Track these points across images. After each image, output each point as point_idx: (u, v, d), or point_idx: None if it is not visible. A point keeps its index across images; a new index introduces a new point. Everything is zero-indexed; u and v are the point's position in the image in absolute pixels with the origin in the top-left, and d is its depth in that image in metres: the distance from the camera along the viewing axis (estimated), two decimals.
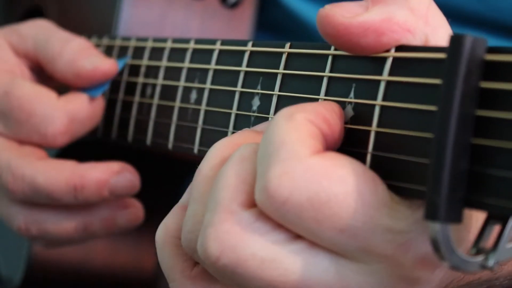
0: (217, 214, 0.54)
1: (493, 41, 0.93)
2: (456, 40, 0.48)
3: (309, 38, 0.99)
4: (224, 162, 0.56)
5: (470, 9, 0.92)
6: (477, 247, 0.50)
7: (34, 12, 1.15)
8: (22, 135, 0.83)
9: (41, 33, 0.86)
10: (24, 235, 0.84)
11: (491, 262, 0.50)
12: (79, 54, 0.82)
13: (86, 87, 0.81)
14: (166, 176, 1.00)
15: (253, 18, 0.96)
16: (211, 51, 0.70)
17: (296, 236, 0.54)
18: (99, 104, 0.82)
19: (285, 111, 0.54)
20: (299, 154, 0.51)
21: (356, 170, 0.52)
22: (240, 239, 0.53)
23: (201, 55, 0.72)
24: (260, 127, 0.60)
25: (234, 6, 0.95)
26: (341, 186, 0.51)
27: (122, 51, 0.84)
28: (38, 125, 0.81)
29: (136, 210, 0.84)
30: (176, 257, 0.60)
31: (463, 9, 0.92)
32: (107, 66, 0.81)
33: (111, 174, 0.79)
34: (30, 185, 0.80)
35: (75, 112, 0.81)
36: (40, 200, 0.82)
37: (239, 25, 0.95)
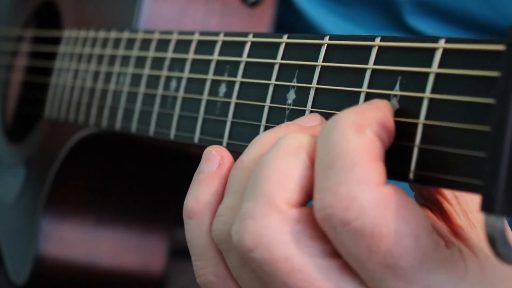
0: (259, 207, 0.52)
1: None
2: None
3: None
4: None
5: (480, 15, 0.92)
6: None
7: (46, 7, 1.13)
8: None
9: None
10: None
11: None
12: None
13: None
14: (181, 174, 0.99)
15: (272, 18, 0.95)
16: (242, 44, 0.69)
17: (333, 253, 0.53)
18: None
19: (351, 120, 0.51)
20: (371, 180, 0.50)
21: (418, 214, 0.51)
22: (277, 239, 0.52)
23: (231, 48, 0.70)
24: (303, 121, 0.58)
25: (254, 5, 0.94)
26: (403, 226, 0.50)
27: (145, 44, 0.82)
28: None
29: None
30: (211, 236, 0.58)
31: (473, 15, 0.92)
32: None
33: None
34: None
35: None
36: None
37: (258, 24, 0.94)
